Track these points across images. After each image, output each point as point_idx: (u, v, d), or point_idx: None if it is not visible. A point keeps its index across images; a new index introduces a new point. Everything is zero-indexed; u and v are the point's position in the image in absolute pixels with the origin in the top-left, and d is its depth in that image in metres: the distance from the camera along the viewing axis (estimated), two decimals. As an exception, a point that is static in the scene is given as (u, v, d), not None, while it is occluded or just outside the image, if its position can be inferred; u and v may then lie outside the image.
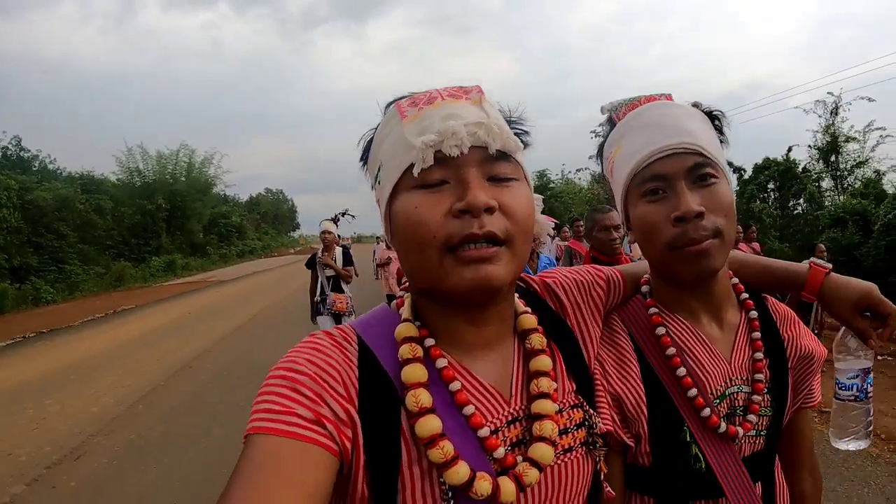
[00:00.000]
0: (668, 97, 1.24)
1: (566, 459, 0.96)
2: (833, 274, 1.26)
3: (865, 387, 1.20)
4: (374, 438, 0.83)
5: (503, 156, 0.89)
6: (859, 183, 19.02)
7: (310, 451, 0.75)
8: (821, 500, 1.39)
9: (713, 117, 1.20)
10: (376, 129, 1.00)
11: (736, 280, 1.31)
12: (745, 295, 1.31)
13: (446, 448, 0.82)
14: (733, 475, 1.15)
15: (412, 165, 0.86)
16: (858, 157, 19.71)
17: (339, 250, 7.97)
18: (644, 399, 1.17)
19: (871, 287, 1.21)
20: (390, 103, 0.98)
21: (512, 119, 1.00)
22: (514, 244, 0.87)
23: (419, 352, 0.90)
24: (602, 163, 1.34)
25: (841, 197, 18.44)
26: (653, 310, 1.25)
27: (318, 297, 7.86)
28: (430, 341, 0.93)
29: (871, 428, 1.20)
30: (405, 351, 0.90)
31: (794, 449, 1.35)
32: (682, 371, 1.17)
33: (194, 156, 47.62)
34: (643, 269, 1.35)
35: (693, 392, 1.15)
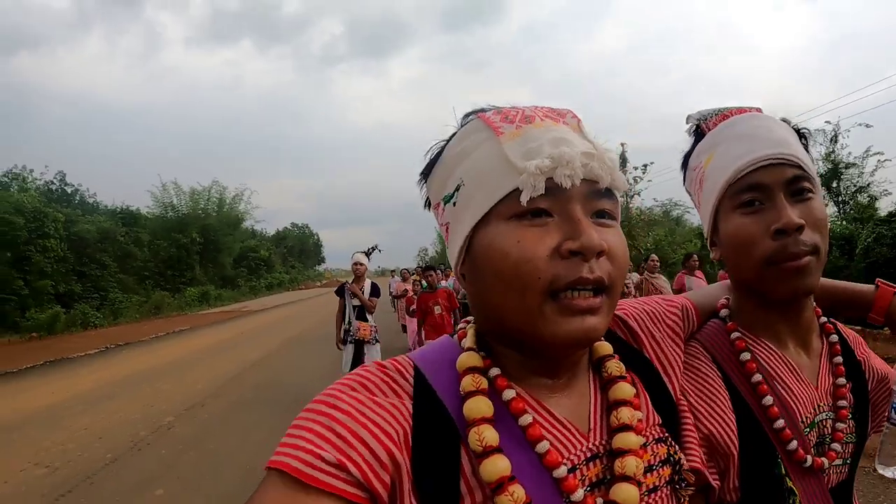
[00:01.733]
0: (759, 110, 1.21)
1: (651, 500, 0.87)
2: None
3: None
4: (427, 482, 0.76)
5: (609, 192, 0.84)
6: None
7: (323, 499, 0.70)
8: None
9: (801, 135, 1.18)
10: (447, 140, 0.93)
11: (813, 303, 1.25)
12: (824, 319, 1.28)
13: (517, 494, 0.75)
14: None
15: (513, 191, 0.79)
16: (858, 182, 21.17)
17: (368, 282, 8.49)
18: (735, 431, 1.10)
19: None
20: (470, 114, 0.92)
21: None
22: (614, 291, 0.82)
23: (483, 383, 0.82)
24: (686, 174, 1.30)
25: (842, 222, 19.46)
26: (735, 334, 1.19)
27: (345, 325, 8.33)
28: (494, 371, 0.85)
29: None
30: (467, 383, 0.82)
31: None
32: (768, 400, 1.11)
33: (225, 192, 51.71)
34: (713, 294, 1.33)
35: (780, 423, 1.09)
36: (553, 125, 0.85)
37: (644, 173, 24.89)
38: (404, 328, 13.85)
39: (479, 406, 0.80)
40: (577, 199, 0.80)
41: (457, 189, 0.88)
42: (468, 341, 0.90)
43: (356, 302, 8.27)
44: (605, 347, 0.96)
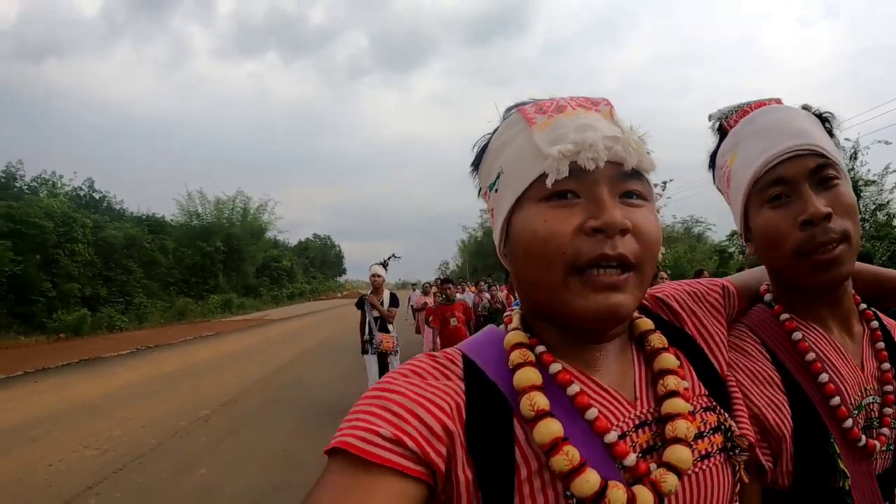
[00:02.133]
0: (779, 101, 1.23)
1: (704, 466, 0.88)
2: None
3: None
4: (483, 452, 0.80)
5: (636, 174, 0.87)
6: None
7: (383, 474, 0.73)
8: None
9: (824, 119, 1.19)
10: (493, 133, 0.99)
11: (852, 290, 1.26)
12: (864, 305, 1.28)
13: (571, 453, 0.77)
14: (869, 495, 1.10)
15: (542, 176, 0.84)
16: (877, 199, 20.99)
17: (386, 293, 8.81)
18: (789, 413, 1.10)
19: None
20: (511, 108, 0.98)
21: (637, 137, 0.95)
22: (642, 269, 0.84)
23: (531, 357, 0.87)
24: (714, 174, 1.33)
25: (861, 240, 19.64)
26: (784, 315, 1.21)
27: (366, 337, 8.62)
28: (541, 348, 0.89)
29: None
30: (516, 356, 0.87)
31: None
32: (824, 377, 1.12)
33: (250, 202, 53.40)
34: (756, 278, 1.34)
35: (836, 400, 1.10)
36: (584, 113, 0.89)
37: (663, 190, 25.21)
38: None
39: (529, 375, 0.83)
40: (603, 181, 0.84)
41: (498, 177, 0.94)
42: (514, 324, 0.95)
43: (376, 313, 8.56)
44: (646, 323, 1.00)
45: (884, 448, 1.12)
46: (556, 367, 0.86)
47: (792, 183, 1.10)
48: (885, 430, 1.13)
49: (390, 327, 8.65)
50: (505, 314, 1.01)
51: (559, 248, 0.81)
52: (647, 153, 0.91)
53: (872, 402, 1.16)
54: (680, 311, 1.10)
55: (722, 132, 1.28)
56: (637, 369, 0.94)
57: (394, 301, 8.81)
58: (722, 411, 0.96)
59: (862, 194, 21.26)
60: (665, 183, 24.91)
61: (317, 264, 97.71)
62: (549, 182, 0.83)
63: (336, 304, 55.58)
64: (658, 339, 0.97)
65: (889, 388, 1.17)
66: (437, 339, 9.89)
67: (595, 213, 0.81)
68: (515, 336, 0.91)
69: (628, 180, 0.85)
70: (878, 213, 20.96)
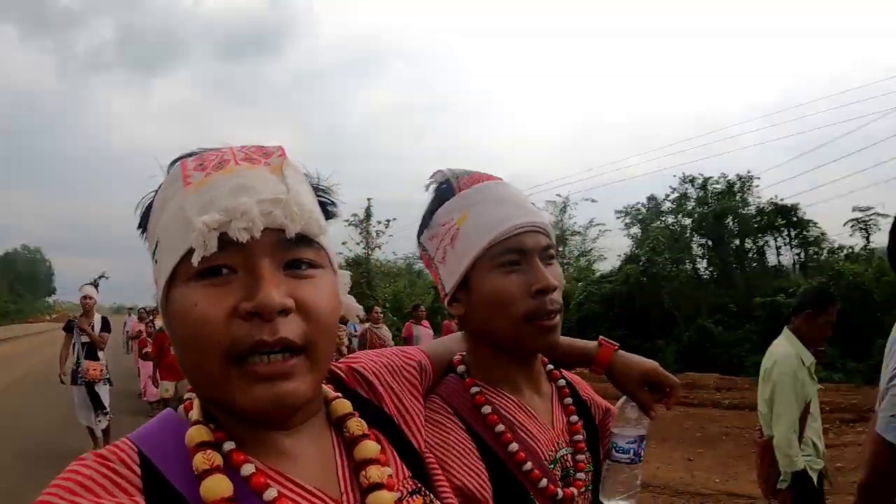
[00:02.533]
0: (500, 180, 1.33)
1: None
2: (620, 351, 1.39)
3: (640, 452, 1.31)
4: None
5: (304, 239, 0.79)
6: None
7: None
8: None
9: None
10: (158, 189, 0.87)
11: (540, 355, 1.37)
12: (551, 366, 1.42)
13: None
14: None
15: (192, 250, 0.73)
16: (581, 248, 25.09)
17: (98, 317, 8.37)
18: (487, 479, 1.15)
19: (655, 364, 1.36)
20: (176, 160, 0.87)
21: (319, 186, 0.92)
22: (315, 350, 0.78)
23: (217, 459, 0.76)
24: (429, 227, 1.33)
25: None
26: (474, 389, 1.26)
27: (73, 366, 8.10)
28: (229, 445, 0.79)
29: (638, 490, 1.32)
30: (200, 461, 0.75)
31: None
32: (514, 447, 1.19)
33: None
34: (448, 347, 1.39)
35: (528, 466, 1.19)
36: (247, 169, 0.80)
37: (387, 227, 26.95)
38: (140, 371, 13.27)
39: (218, 485, 0.73)
40: (263, 251, 0.75)
41: (156, 246, 0.82)
42: (195, 413, 0.83)
43: (85, 338, 8.09)
44: (343, 406, 0.93)
45: (582, 490, 1.28)
46: (248, 469, 0.77)
47: (527, 253, 1.20)
48: (581, 475, 1.29)
49: (100, 354, 8.24)
50: (186, 396, 0.90)
51: (212, 337, 0.73)
52: (326, 204, 0.91)
53: (566, 454, 1.30)
54: (378, 386, 1.07)
55: (448, 191, 1.31)
56: (338, 459, 0.89)
57: (106, 326, 8.46)
58: (427, 492, 0.97)
59: (569, 243, 25.20)
60: (388, 221, 26.74)
61: (23, 281, 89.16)
62: (195, 260, 0.73)
63: (46, 328, 50.62)
64: (357, 425, 0.91)
65: (578, 437, 1.34)
66: (157, 372, 9.58)
67: (250, 291, 0.74)
68: (198, 433, 0.78)
69: (294, 248, 0.78)
70: (581, 258, 24.86)
